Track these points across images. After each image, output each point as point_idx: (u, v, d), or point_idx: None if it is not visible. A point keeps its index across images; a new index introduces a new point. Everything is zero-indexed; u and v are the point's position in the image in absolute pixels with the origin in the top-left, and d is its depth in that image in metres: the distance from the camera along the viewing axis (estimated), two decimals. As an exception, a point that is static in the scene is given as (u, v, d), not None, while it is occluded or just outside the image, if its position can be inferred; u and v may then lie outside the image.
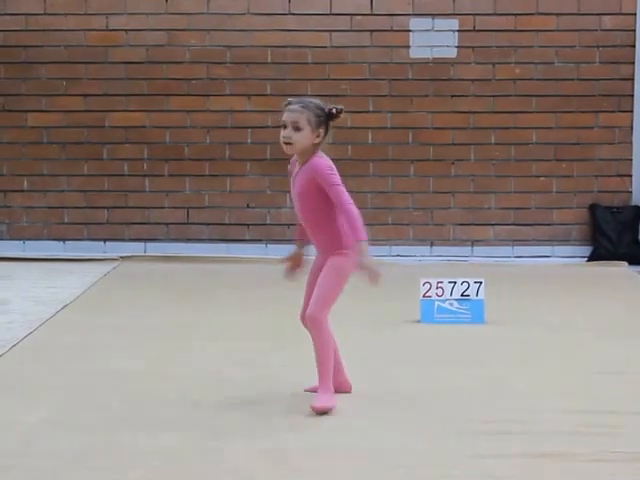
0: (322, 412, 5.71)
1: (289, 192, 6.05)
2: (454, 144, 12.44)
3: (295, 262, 6.18)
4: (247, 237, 11.74)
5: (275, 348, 7.41)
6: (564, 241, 12.50)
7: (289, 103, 5.77)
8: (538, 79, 12.51)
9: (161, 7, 12.50)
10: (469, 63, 12.52)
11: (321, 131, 5.68)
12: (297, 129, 5.61)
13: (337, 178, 5.62)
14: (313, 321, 5.69)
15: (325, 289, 5.69)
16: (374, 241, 11.15)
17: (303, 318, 5.90)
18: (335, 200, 5.62)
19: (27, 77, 12.63)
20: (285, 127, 5.66)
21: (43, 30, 12.57)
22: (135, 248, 12.43)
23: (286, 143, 5.63)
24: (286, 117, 5.64)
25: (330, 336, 5.76)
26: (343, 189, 5.58)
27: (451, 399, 6.50)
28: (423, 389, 6.74)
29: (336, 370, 5.98)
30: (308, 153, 5.69)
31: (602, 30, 12.41)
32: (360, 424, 5.30)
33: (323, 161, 5.63)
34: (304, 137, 5.62)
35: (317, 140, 5.67)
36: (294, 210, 5.94)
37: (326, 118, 5.70)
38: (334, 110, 5.69)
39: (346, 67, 11.69)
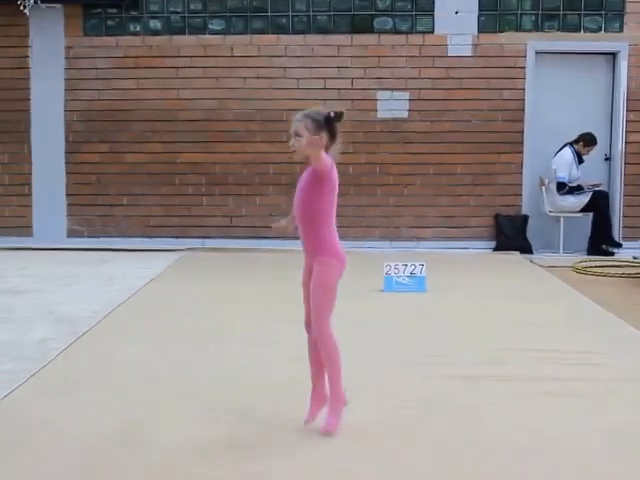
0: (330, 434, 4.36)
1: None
2: (406, 174, 12.49)
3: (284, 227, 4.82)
4: (270, 235, 11.77)
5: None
6: (478, 238, 12.59)
7: None
8: (461, 131, 12.55)
9: (214, 84, 12.60)
10: (416, 121, 12.56)
11: (322, 135, 4.28)
12: (297, 136, 4.30)
13: (327, 158, 4.31)
14: (319, 339, 4.39)
15: (319, 307, 4.40)
16: (353, 239, 11.36)
17: (307, 325, 4.54)
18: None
19: (125, 130, 12.71)
20: (291, 137, 4.37)
21: (136, 99, 12.66)
22: (196, 243, 12.44)
23: (292, 150, 4.38)
24: (291, 128, 4.35)
25: (336, 346, 4.41)
26: (324, 156, 4.27)
27: (404, 339, 6.70)
28: (387, 335, 6.88)
29: (317, 379, 4.58)
30: None
31: (502, 99, 12.48)
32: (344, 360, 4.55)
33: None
34: (306, 143, 4.27)
35: (319, 145, 4.24)
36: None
37: (326, 122, 4.30)
38: (332, 114, 4.30)
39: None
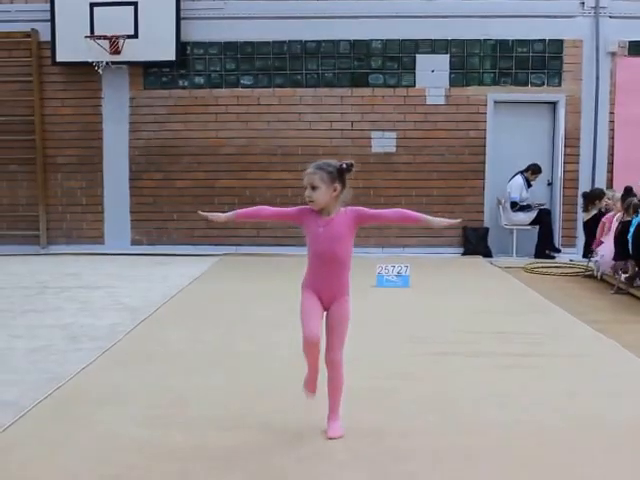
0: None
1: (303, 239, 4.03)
2: (394, 196, 12.34)
3: (218, 220, 4.15)
4: (290, 243, 11.76)
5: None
6: (450, 245, 12.55)
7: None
8: (437, 162, 12.57)
9: (244, 126, 12.65)
10: (401, 154, 12.59)
11: (337, 185, 3.83)
12: (314, 188, 3.81)
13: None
14: (337, 365, 3.86)
15: (343, 337, 3.89)
16: (354, 246, 11.32)
17: (315, 342, 3.81)
18: (387, 215, 4.05)
19: (176, 162, 12.76)
20: (306, 187, 3.87)
21: (184, 138, 12.72)
22: (231, 249, 12.38)
23: (310, 201, 3.86)
24: (305, 180, 3.86)
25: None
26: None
27: (392, 324, 6.71)
28: (378, 320, 6.87)
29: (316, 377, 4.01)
30: (332, 206, 3.88)
31: (468, 138, 12.52)
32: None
33: (355, 207, 3.96)
34: (322, 193, 3.81)
35: (335, 193, 3.84)
36: (314, 255, 3.94)
37: (338, 173, 3.86)
38: (344, 165, 3.89)
39: (339, 156, 11.56)
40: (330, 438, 3.85)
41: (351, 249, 3.96)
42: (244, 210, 4.15)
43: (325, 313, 3.93)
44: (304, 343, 3.83)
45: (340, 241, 3.88)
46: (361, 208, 3.93)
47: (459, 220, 4.07)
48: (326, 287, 3.91)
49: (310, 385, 4.03)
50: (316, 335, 3.80)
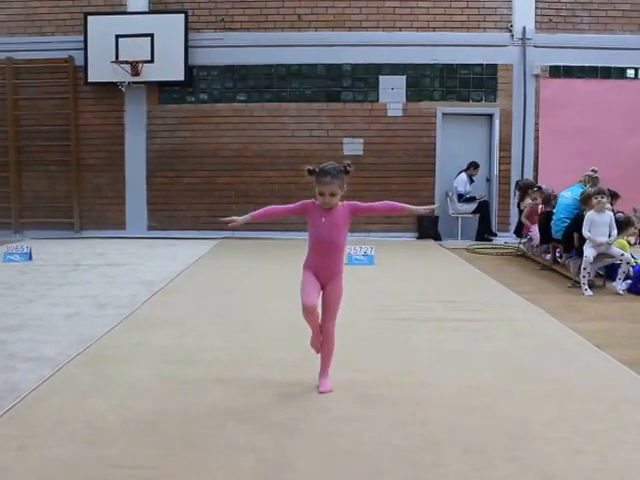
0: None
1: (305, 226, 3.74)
2: (361, 190, 11.86)
3: (236, 223, 3.92)
4: (279, 228, 11.68)
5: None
6: (407, 230, 12.49)
7: (321, 173, 3.61)
8: (397, 163, 12.50)
9: (240, 134, 12.56)
10: (367, 157, 12.49)
11: (344, 186, 3.66)
12: (333, 195, 3.59)
13: None
14: (330, 333, 3.71)
15: (336, 310, 3.72)
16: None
17: (311, 309, 3.63)
18: (377, 206, 3.82)
19: (184, 162, 12.64)
20: (323, 194, 3.61)
21: (190, 143, 12.60)
22: (228, 234, 11.95)
23: (326, 204, 3.62)
24: (324, 189, 3.59)
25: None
26: None
27: (359, 295, 6.49)
28: (347, 292, 6.83)
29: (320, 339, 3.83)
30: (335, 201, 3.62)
31: (422, 143, 12.45)
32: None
33: (350, 202, 3.75)
34: (337, 197, 3.63)
35: (342, 193, 3.67)
36: (317, 239, 3.68)
37: (345, 176, 3.66)
38: (349, 167, 3.67)
39: (316, 159, 11.35)
40: (321, 392, 3.71)
41: (346, 236, 3.75)
42: (257, 212, 3.91)
43: (322, 290, 3.74)
44: (303, 309, 3.64)
45: (338, 229, 3.68)
46: (356, 202, 3.75)
47: (435, 206, 4.29)
48: (324, 267, 3.71)
49: (315, 344, 3.86)
50: (312, 302, 3.62)
